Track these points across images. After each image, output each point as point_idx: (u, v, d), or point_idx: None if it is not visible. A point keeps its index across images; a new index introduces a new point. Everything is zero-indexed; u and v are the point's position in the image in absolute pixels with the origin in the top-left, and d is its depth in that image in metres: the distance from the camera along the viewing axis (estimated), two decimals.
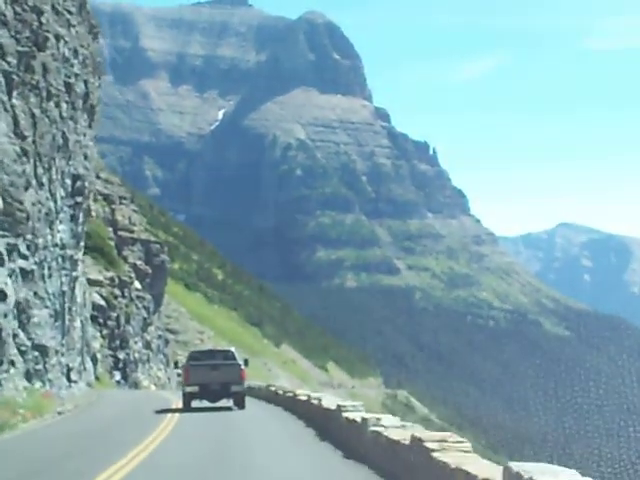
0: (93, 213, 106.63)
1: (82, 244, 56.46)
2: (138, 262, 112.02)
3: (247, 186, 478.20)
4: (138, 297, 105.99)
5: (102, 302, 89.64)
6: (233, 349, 39.29)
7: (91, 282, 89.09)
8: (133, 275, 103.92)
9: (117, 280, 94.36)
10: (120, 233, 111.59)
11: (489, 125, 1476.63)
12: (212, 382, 34.35)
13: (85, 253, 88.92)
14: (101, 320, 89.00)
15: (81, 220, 50.82)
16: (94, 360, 76.58)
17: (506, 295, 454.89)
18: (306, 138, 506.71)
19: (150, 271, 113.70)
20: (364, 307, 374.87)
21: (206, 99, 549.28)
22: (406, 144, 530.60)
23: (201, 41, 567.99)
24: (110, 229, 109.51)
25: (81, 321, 61.53)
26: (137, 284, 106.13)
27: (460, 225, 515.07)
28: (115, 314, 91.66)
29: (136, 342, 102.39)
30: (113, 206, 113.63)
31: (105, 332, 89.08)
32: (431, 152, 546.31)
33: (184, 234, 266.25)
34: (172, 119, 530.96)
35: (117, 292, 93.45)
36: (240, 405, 35.50)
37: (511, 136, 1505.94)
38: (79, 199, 49.44)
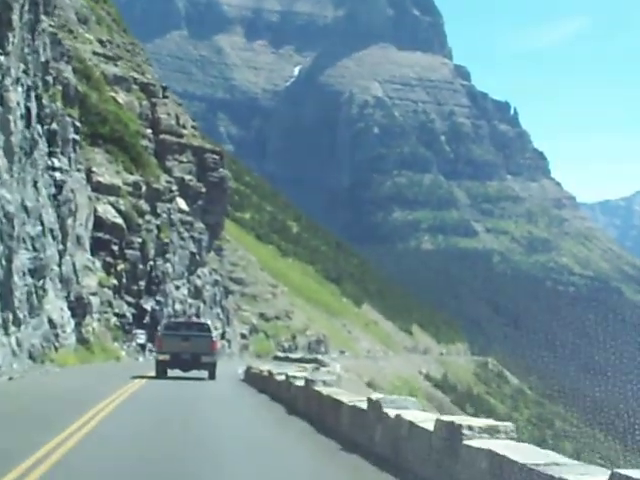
0: (120, 100, 70.55)
1: None
2: (187, 176, 75.41)
3: (322, 144, 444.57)
4: (184, 223, 69.21)
5: (117, 218, 53.10)
6: (209, 322, 39.56)
7: (100, 187, 52.61)
8: (175, 189, 67.23)
9: (145, 188, 57.76)
10: (163, 136, 75.06)
11: (571, 88, 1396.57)
12: (183, 352, 33.09)
13: (90, 142, 52.49)
14: (115, 247, 52.54)
15: None
16: (80, 309, 40.04)
17: (587, 261, 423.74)
18: (383, 96, 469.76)
19: (204, 190, 77.12)
20: (440, 270, 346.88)
21: (282, 55, 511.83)
22: (486, 104, 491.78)
23: None
24: (149, 131, 73.02)
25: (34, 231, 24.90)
26: (182, 203, 69.46)
27: (540, 188, 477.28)
28: (139, 239, 55.06)
29: (178, 287, 65.87)
30: (154, 99, 77.08)
31: (122, 266, 52.58)
32: (512, 112, 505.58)
33: (256, 184, 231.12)
34: (247, 75, 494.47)
35: (144, 207, 56.80)
36: (211, 376, 34.22)
37: (592, 100, 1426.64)
38: None
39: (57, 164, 39.31)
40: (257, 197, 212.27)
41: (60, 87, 42.18)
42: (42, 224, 33.17)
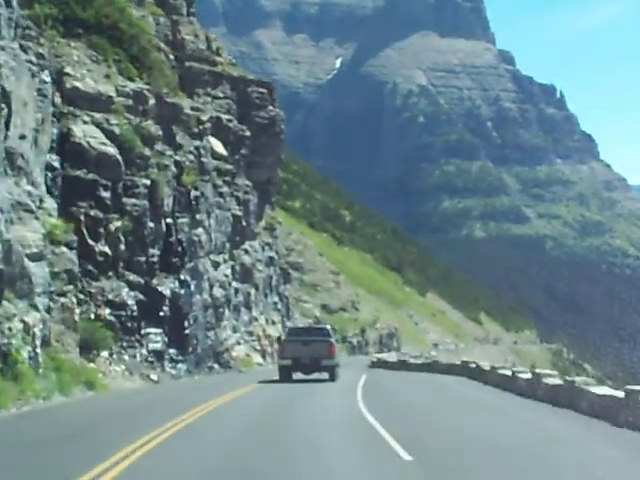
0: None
1: None
2: (224, 116, 52.56)
3: (368, 136, 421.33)
4: (221, 173, 46.29)
5: (107, 147, 29.58)
6: (329, 326, 39.64)
7: (77, 97, 29.95)
8: (206, 119, 44.33)
9: (154, 101, 35.01)
10: (189, 64, 52.21)
11: (616, 69, 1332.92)
12: (303, 356, 33.47)
13: (64, 32, 29.83)
14: (105, 192, 29.75)
15: None
16: None
17: None
18: (428, 84, 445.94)
19: (248, 134, 54.05)
20: (494, 258, 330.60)
21: (322, 48, 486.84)
22: (532, 88, 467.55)
23: None
24: (171, 56, 50.30)
25: None
26: (218, 145, 46.55)
27: (590, 171, 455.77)
28: (146, 181, 32.16)
29: (217, 264, 42.86)
30: (175, 17, 54.30)
31: (118, 224, 29.79)
32: (558, 95, 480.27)
33: (305, 172, 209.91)
34: (288, 69, 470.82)
35: (153, 130, 33.75)
36: (332, 378, 34.12)
37: (636, 81, 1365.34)
38: None
39: None
40: (306, 185, 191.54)
41: None
42: None
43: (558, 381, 19.79)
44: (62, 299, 23.36)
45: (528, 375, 20.96)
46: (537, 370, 22.94)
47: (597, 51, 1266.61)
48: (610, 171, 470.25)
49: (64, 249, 23.79)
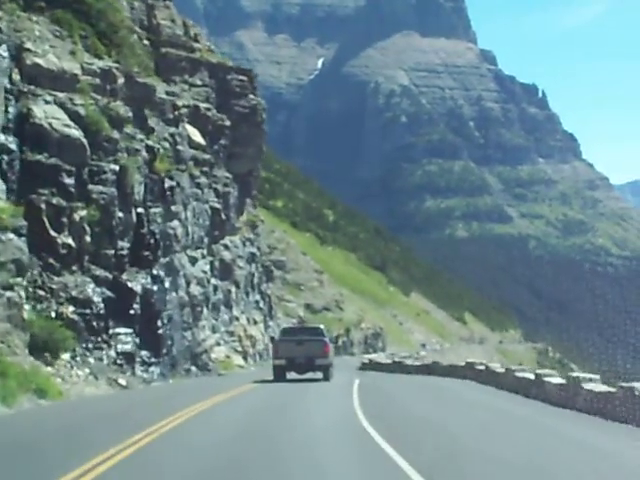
0: None
1: None
2: (203, 105, 49.84)
3: (350, 136, 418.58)
4: (199, 163, 43.39)
5: (71, 129, 26.32)
6: (322, 326, 39.35)
7: (38, 75, 26.76)
8: (181, 104, 41.32)
9: (123, 80, 32.06)
10: (165, 50, 49.25)
11: (597, 68, 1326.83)
12: (298, 356, 33.75)
13: (24, 6, 26.85)
14: (68, 179, 26.69)
15: None
16: None
17: (624, 241, 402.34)
18: (410, 84, 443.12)
19: (228, 123, 51.09)
20: (477, 257, 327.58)
21: (304, 48, 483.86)
22: (514, 87, 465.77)
23: None
24: (146, 42, 47.36)
25: None
26: (195, 133, 43.67)
27: (572, 170, 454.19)
28: (114, 166, 29.20)
29: (194, 260, 40.00)
30: (151, 1, 51.33)
31: (83, 213, 26.74)
32: (540, 95, 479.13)
33: (287, 171, 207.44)
34: (269, 70, 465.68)
35: (122, 111, 30.65)
36: (326, 377, 34.43)
37: (616, 81, 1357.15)
38: None
39: None
40: (289, 185, 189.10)
41: None
42: None
43: (606, 387, 16.36)
44: (8, 293, 20.46)
45: (559, 379, 17.76)
46: (574, 374, 19.46)
47: (578, 50, 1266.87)
48: (592, 170, 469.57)
49: (11, 236, 20.88)
